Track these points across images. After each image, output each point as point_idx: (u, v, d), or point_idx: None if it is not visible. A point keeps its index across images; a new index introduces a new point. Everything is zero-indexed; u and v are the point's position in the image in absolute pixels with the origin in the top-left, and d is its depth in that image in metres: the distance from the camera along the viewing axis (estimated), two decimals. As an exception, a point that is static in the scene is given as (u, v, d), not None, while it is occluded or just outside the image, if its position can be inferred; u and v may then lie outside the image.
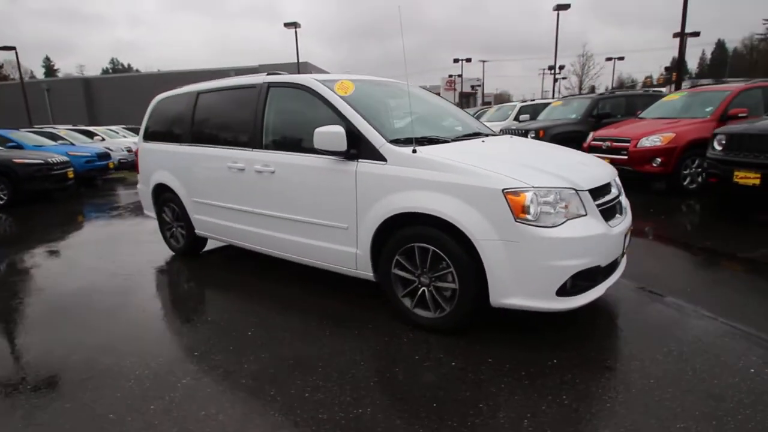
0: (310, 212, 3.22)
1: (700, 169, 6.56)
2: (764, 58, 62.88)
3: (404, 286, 2.88)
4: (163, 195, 4.65)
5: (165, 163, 4.50)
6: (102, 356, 2.66)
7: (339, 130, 2.85)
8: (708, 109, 6.89)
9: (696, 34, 29.01)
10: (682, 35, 16.76)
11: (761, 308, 2.96)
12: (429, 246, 2.67)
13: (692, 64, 69.77)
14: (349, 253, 3.08)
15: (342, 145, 2.86)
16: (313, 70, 31.73)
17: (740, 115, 6.48)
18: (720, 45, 71.90)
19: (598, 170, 2.88)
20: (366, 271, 3.04)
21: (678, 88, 17.13)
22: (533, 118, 10.99)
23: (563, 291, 2.42)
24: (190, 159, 4.16)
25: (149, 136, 4.82)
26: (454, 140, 3.17)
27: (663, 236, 4.82)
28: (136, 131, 19.15)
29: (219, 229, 4.06)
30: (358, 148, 2.90)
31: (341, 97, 3.11)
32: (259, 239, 3.68)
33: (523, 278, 2.42)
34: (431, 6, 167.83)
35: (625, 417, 1.96)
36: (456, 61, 38.20)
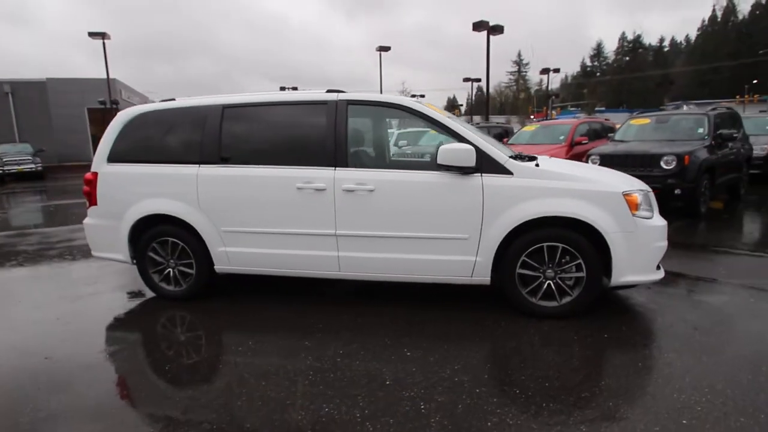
0: (421, 227, 3.28)
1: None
2: (507, 101, 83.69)
3: (526, 283, 3.27)
4: (154, 229, 3.79)
5: (166, 189, 3.71)
6: None
7: (469, 147, 3.10)
8: (561, 138, 9.19)
9: (478, 80, 36.75)
10: (487, 81, 21.10)
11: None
12: (558, 244, 3.14)
13: (461, 101, 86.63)
14: (466, 262, 3.28)
15: (471, 161, 3.11)
16: (122, 88, 27.40)
17: (583, 142, 8.88)
18: (480, 89, 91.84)
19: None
20: (483, 277, 3.30)
21: (487, 119, 21.48)
22: (412, 144, 12.31)
23: (657, 266, 3.24)
24: (223, 182, 3.58)
25: (121, 158, 3.86)
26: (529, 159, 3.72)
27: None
28: None
29: (267, 259, 3.60)
30: (480, 163, 3.18)
31: (447, 117, 3.33)
32: (339, 263, 3.46)
33: (636, 259, 3.13)
34: (224, 30, 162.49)
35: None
36: (282, 88, 38.59)
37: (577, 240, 3.12)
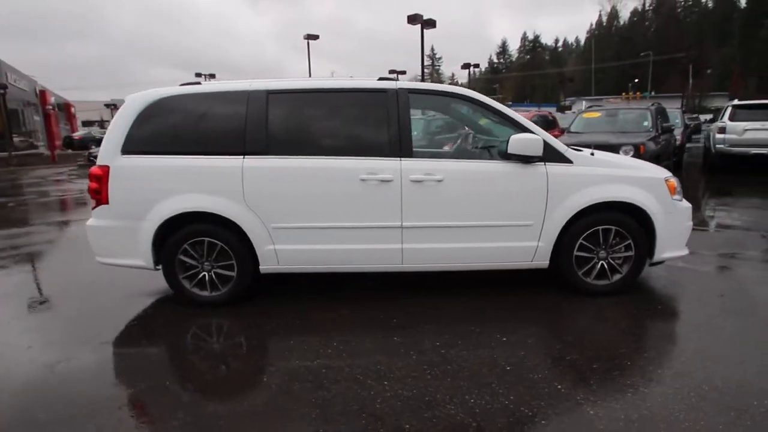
0: (488, 216, 3.35)
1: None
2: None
3: (580, 265, 3.50)
4: (186, 229, 3.40)
5: (203, 183, 3.35)
6: None
7: (538, 137, 3.23)
8: (518, 129, 9.79)
9: (403, 72, 37.38)
10: (422, 73, 21.61)
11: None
12: (611, 226, 3.41)
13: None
14: (528, 248, 3.42)
15: (540, 150, 3.24)
16: (9, 70, 23.29)
17: (538, 133, 9.56)
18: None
19: None
20: (543, 261, 3.47)
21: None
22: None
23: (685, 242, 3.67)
24: (274, 175, 3.31)
25: (139, 149, 3.39)
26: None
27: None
28: None
29: (323, 256, 3.41)
30: (545, 152, 3.32)
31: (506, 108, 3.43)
32: (402, 256, 3.40)
33: (673, 237, 3.51)
34: (114, 11, 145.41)
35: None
36: (198, 75, 35.72)
37: (628, 222, 3.41)
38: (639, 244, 3.44)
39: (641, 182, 3.42)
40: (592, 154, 3.47)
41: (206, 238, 3.42)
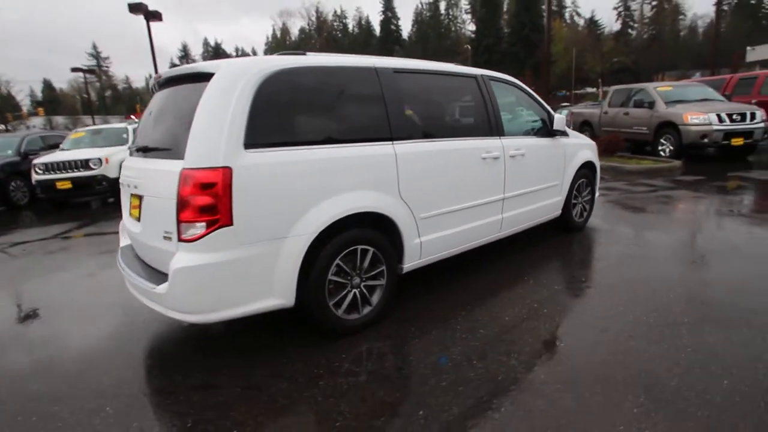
0: (543, 180, 4.19)
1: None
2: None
3: (573, 209, 4.83)
4: (340, 238, 2.74)
5: (357, 177, 2.77)
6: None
7: (564, 117, 4.29)
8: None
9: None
10: (155, 66, 18.57)
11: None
12: (584, 179, 4.88)
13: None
14: (557, 202, 4.50)
15: (564, 127, 4.31)
16: None
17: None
18: (48, 84, 73.98)
19: None
20: (559, 211, 4.61)
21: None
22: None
23: (594, 186, 5.58)
24: (425, 160, 3.09)
25: (269, 141, 2.46)
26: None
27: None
28: None
29: (452, 240, 3.43)
30: (563, 128, 4.41)
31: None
32: (501, 225, 3.81)
33: (598, 183, 5.32)
34: None
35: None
36: None
37: (590, 175, 4.96)
38: (593, 188, 5.07)
39: (589, 147, 5.03)
40: (572, 128, 4.82)
41: (360, 246, 2.81)
